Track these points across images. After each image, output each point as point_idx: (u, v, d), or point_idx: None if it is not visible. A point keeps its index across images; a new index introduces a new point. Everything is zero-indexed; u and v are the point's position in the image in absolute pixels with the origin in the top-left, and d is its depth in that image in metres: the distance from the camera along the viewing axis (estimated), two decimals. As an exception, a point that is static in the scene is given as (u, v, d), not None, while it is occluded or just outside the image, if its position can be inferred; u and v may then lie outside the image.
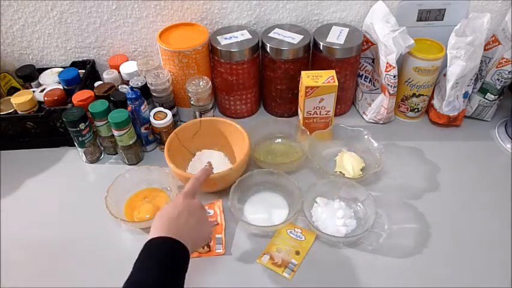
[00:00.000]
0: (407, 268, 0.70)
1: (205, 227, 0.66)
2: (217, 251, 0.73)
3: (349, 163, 0.86)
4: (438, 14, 0.94)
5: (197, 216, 0.64)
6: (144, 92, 0.90)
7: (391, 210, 0.79)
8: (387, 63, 0.88)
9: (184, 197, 0.66)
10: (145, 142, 0.93)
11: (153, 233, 0.59)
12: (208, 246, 0.74)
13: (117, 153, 0.93)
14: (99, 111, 0.85)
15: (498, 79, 0.91)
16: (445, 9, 0.93)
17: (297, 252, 0.72)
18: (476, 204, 0.80)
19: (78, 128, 0.85)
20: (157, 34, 0.92)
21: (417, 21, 0.95)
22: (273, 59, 0.92)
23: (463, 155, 0.91)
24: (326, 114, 0.89)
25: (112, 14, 0.97)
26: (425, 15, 0.94)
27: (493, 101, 0.94)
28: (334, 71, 0.87)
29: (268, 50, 0.91)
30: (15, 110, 0.92)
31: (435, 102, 0.96)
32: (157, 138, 0.92)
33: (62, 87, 0.95)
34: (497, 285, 0.68)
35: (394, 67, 0.87)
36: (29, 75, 0.99)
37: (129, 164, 0.91)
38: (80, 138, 0.87)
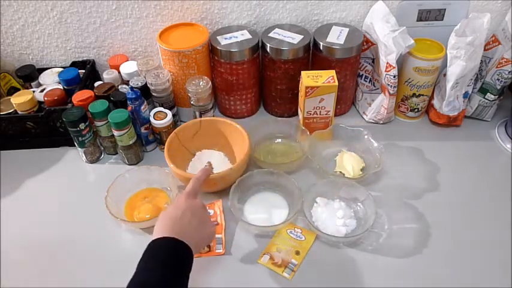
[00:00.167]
0: (407, 268, 0.70)
1: (208, 227, 0.66)
2: (217, 251, 0.73)
3: (349, 163, 0.86)
4: (438, 14, 0.94)
5: (200, 217, 0.64)
6: (144, 92, 0.90)
7: (391, 210, 0.79)
8: (387, 63, 0.88)
9: (186, 197, 0.66)
10: (145, 142, 0.93)
11: (157, 234, 0.59)
12: (209, 246, 0.74)
13: (117, 153, 0.93)
14: (99, 111, 0.85)
15: (498, 79, 0.91)
16: (445, 9, 0.93)
17: (297, 252, 0.72)
18: (476, 204, 0.80)
19: (78, 128, 0.85)
20: (157, 34, 0.92)
21: (417, 21, 0.95)
22: (273, 59, 0.92)
23: (463, 155, 0.91)
24: (326, 114, 0.89)
25: (112, 14, 0.97)
26: (425, 15, 0.94)
27: (493, 101, 0.94)
28: (334, 71, 0.87)
29: (268, 50, 0.91)
30: (15, 110, 0.92)
31: (435, 102, 0.96)
32: (157, 138, 0.92)
33: (62, 87, 0.95)
34: (497, 285, 0.68)
35: (394, 67, 0.87)
36: (29, 75, 0.99)
37: (129, 164, 0.91)
38: (80, 138, 0.87)
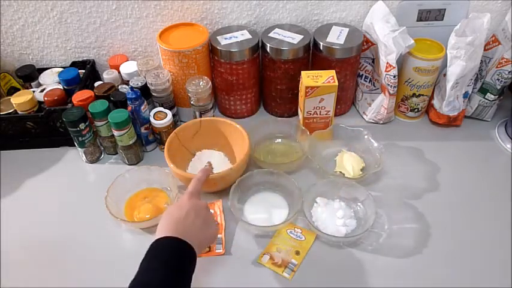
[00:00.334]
0: (407, 268, 0.70)
1: (211, 227, 0.66)
2: (217, 251, 0.73)
3: (349, 163, 0.86)
4: (438, 14, 0.94)
5: (203, 217, 0.64)
6: (144, 92, 0.90)
7: (391, 210, 0.79)
8: (387, 63, 0.88)
9: (189, 197, 0.66)
10: (145, 142, 0.93)
11: (160, 233, 0.59)
12: (209, 246, 0.74)
13: (117, 153, 0.93)
14: (99, 111, 0.85)
15: (498, 79, 0.91)
16: (445, 9, 0.93)
17: (297, 252, 0.72)
18: (476, 204, 0.80)
19: (78, 128, 0.85)
20: (157, 34, 0.92)
21: (417, 21, 0.95)
22: (273, 59, 0.92)
23: (463, 155, 0.91)
24: (326, 114, 0.89)
25: (112, 14, 0.97)
26: (425, 15, 0.94)
27: (493, 101, 0.94)
28: (334, 71, 0.87)
29: (268, 50, 0.91)
30: (15, 110, 0.92)
31: (435, 102, 0.96)
32: (157, 138, 0.92)
33: (62, 87, 0.95)
34: (497, 285, 0.68)
35: (394, 67, 0.87)
36: (29, 75, 0.99)
37: (129, 164, 0.91)
38: (80, 138, 0.87)
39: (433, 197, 0.82)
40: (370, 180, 0.84)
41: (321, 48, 0.91)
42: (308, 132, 0.90)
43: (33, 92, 0.95)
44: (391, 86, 0.90)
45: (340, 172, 0.86)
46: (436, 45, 0.92)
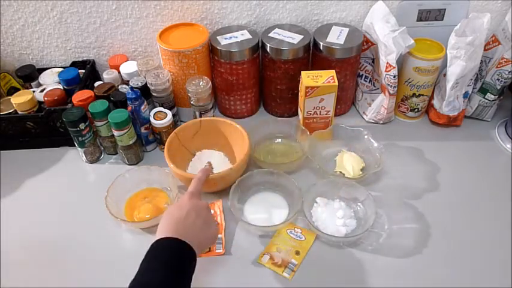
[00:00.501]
0: (407, 268, 0.70)
1: (211, 228, 0.65)
2: (217, 251, 0.73)
3: (349, 163, 0.86)
4: (438, 14, 0.94)
5: (204, 217, 0.64)
6: (144, 92, 0.90)
7: (391, 210, 0.79)
8: (387, 63, 0.88)
9: (190, 197, 0.66)
10: (145, 142, 0.93)
11: (160, 234, 0.59)
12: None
13: (117, 153, 0.93)
14: (99, 111, 0.85)
15: (498, 79, 0.91)
16: (445, 9, 0.93)
17: (297, 252, 0.72)
18: (476, 204, 0.80)
19: (78, 128, 0.85)
20: (157, 34, 0.92)
21: (417, 21, 0.95)
22: (273, 59, 0.92)
23: (463, 155, 0.91)
24: (326, 114, 0.89)
25: (112, 14, 0.97)
26: (425, 15, 0.94)
27: (493, 101, 0.94)
28: (334, 71, 0.87)
29: (268, 50, 0.91)
30: (15, 110, 0.92)
31: (435, 102, 0.96)
32: (157, 138, 0.92)
33: (62, 87, 0.95)
34: (497, 285, 0.68)
35: (394, 67, 0.87)
36: (29, 75, 0.99)
37: (129, 164, 0.91)
38: (80, 138, 0.87)
39: (433, 197, 0.82)
40: (370, 180, 0.84)
41: (321, 48, 0.91)
42: (308, 132, 0.89)
43: (33, 92, 0.95)
44: (391, 86, 0.90)
45: (340, 172, 0.86)
46: (436, 45, 0.92)
